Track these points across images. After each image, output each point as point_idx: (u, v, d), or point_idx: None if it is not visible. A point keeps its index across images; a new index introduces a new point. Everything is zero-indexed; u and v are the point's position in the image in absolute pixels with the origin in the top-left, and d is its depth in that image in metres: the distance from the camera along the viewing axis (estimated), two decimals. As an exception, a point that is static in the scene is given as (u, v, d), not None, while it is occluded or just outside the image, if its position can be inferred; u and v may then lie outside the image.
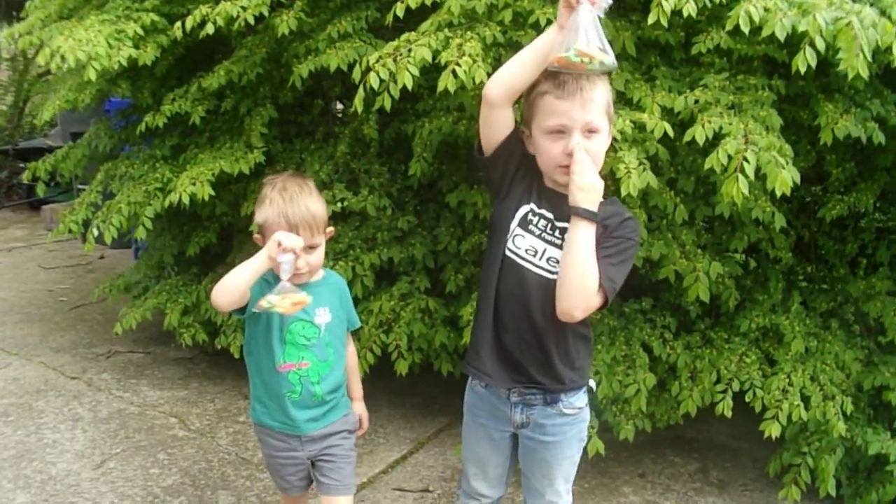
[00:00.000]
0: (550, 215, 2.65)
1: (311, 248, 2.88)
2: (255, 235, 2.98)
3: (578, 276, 2.52)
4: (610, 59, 2.45)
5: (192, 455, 4.76)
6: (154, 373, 6.06)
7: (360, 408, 3.34)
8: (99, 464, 4.62)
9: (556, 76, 2.55)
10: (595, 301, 2.57)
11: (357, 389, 3.35)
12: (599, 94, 2.57)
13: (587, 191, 2.49)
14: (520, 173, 2.71)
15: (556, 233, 2.64)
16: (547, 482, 2.93)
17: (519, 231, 2.66)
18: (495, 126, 2.67)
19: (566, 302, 2.55)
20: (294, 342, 2.95)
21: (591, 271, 2.52)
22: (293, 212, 2.83)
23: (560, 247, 2.62)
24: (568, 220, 2.58)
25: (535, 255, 2.64)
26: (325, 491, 3.16)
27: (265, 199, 2.89)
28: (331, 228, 3.01)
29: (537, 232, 2.65)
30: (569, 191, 2.52)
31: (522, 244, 2.65)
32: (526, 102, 2.69)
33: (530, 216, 2.66)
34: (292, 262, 2.72)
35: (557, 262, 2.61)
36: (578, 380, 2.82)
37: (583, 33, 2.38)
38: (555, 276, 2.61)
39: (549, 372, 2.75)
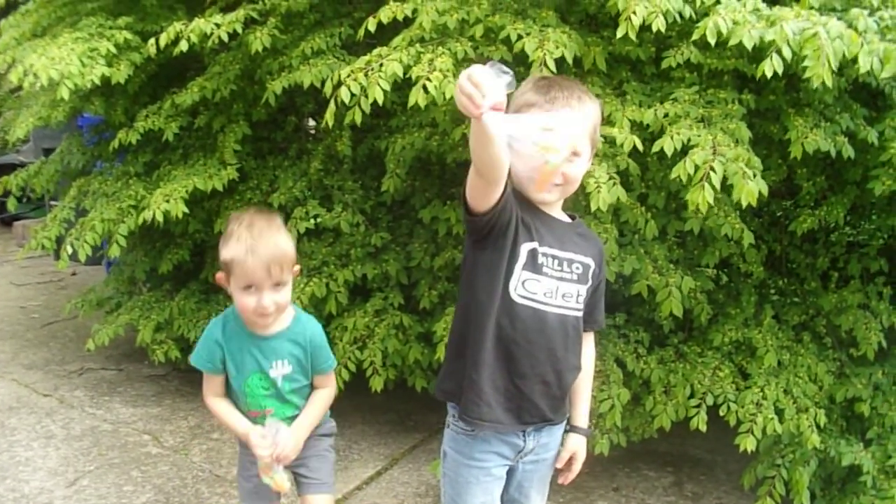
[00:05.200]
0: (556, 251, 2.58)
1: (277, 285, 2.79)
2: (219, 275, 2.89)
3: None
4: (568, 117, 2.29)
5: (166, 472, 4.73)
6: (127, 390, 6.01)
7: (286, 440, 2.91)
8: (72, 481, 4.58)
9: (546, 89, 2.50)
10: None
11: (300, 421, 3.03)
12: (587, 117, 2.53)
13: None
14: (512, 215, 2.47)
15: (565, 266, 2.59)
16: (541, 497, 2.94)
17: (529, 275, 2.53)
18: (488, 193, 2.35)
19: None
20: (254, 393, 2.92)
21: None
22: (262, 248, 2.73)
23: (570, 280, 2.60)
24: (570, 250, 2.61)
25: (552, 297, 2.57)
26: (303, 491, 3.17)
27: (231, 236, 2.78)
28: (297, 267, 2.92)
29: (550, 273, 2.56)
30: None
31: (538, 288, 2.55)
32: (510, 110, 2.52)
33: (540, 258, 2.54)
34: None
35: (571, 296, 2.61)
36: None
37: (535, 130, 2.05)
38: (570, 312, 2.62)
39: (560, 408, 2.76)
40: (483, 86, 1.97)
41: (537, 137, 2.05)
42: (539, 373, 2.60)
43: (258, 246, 2.73)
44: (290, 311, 3.00)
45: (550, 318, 2.58)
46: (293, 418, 2.99)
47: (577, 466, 2.89)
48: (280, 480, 2.86)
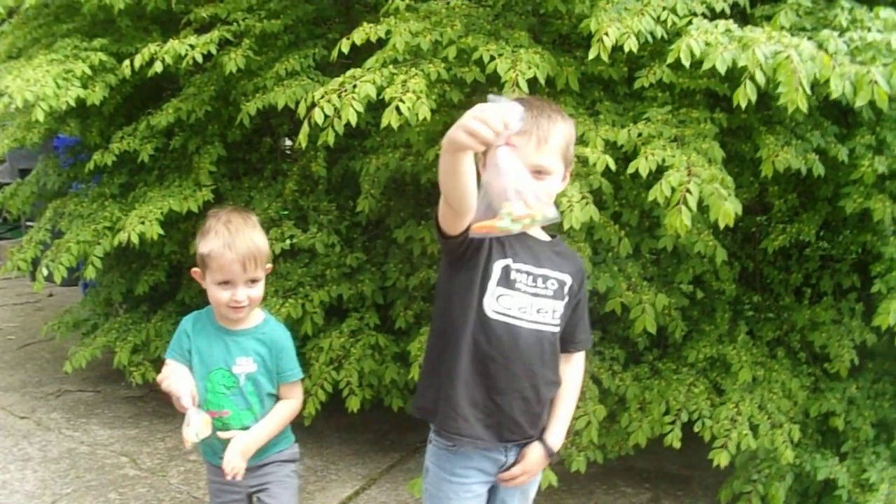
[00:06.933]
0: (530, 267, 2.60)
1: (252, 281, 2.87)
2: (194, 270, 2.98)
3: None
4: (553, 209, 2.23)
5: (144, 494, 4.72)
6: (104, 411, 6.00)
7: (231, 453, 2.90)
8: (49, 504, 4.58)
9: None
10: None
11: (257, 427, 2.99)
12: (556, 136, 2.51)
13: None
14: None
15: (540, 282, 2.61)
16: None
17: (503, 291, 2.56)
18: (458, 221, 2.43)
19: None
20: (215, 391, 2.93)
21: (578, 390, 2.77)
22: (239, 243, 2.82)
23: (545, 296, 2.62)
24: (545, 266, 2.63)
25: (526, 312, 2.59)
26: None
27: (210, 231, 2.88)
28: (269, 265, 3.00)
29: (524, 288, 2.58)
30: None
31: (512, 303, 2.57)
32: None
33: (513, 274, 2.57)
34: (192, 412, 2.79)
35: (546, 311, 2.62)
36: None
37: (512, 188, 2.14)
38: (546, 327, 2.63)
39: (539, 424, 2.75)
40: (506, 121, 2.01)
41: (512, 195, 2.11)
42: (517, 388, 2.61)
43: (235, 241, 2.83)
44: (260, 313, 3.06)
45: (525, 334, 2.59)
46: (251, 425, 2.97)
47: (523, 479, 2.77)
48: (186, 432, 2.78)
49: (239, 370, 2.94)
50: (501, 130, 2.01)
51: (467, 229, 2.39)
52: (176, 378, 2.82)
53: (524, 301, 2.58)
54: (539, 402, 2.69)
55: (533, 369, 2.63)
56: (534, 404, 2.67)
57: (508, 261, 2.56)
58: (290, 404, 3.06)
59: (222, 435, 2.93)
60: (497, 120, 2.00)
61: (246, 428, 2.96)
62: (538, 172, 2.48)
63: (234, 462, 2.85)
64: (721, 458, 3.92)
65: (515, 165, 2.14)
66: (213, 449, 3.01)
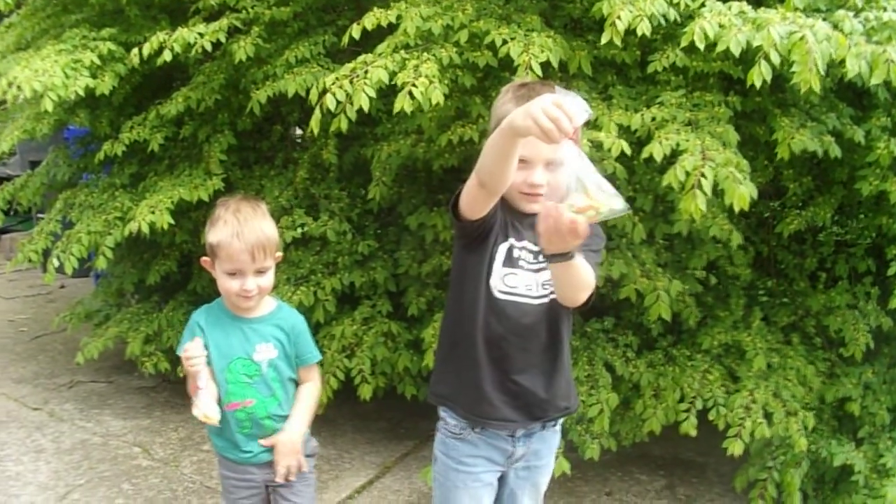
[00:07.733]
0: (532, 246, 2.58)
1: (261, 270, 2.85)
2: (204, 259, 2.96)
3: (583, 287, 2.48)
4: (620, 201, 2.13)
5: (157, 485, 4.71)
6: (117, 402, 5.99)
7: (282, 457, 2.98)
8: (63, 495, 4.56)
9: (525, 99, 2.31)
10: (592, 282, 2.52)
11: (294, 421, 3.02)
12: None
13: (562, 246, 2.25)
14: (497, 218, 2.54)
15: (541, 257, 2.55)
16: None
17: (508, 270, 2.57)
18: (487, 203, 2.43)
19: (575, 295, 2.50)
20: (236, 381, 2.91)
21: (588, 275, 2.46)
22: (247, 233, 2.79)
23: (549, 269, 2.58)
24: None
25: (532, 289, 2.59)
26: None
27: (218, 220, 2.85)
28: (279, 253, 2.97)
29: (527, 266, 2.58)
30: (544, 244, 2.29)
31: (518, 282, 2.58)
32: (492, 122, 2.59)
33: (515, 252, 2.58)
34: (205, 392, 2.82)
35: (551, 284, 2.58)
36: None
37: (574, 181, 2.10)
38: (552, 297, 2.59)
39: (570, 394, 2.77)
40: (573, 114, 1.97)
41: (574, 188, 2.10)
42: (536, 364, 2.63)
43: (244, 231, 2.80)
44: (272, 300, 3.05)
45: (533, 310, 2.60)
46: (275, 416, 2.97)
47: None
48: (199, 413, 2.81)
49: (260, 357, 2.93)
50: (570, 131, 1.99)
51: (488, 212, 2.41)
52: (203, 359, 2.83)
53: (529, 279, 2.59)
54: (561, 374, 2.70)
55: (545, 345, 2.64)
56: (556, 376, 2.68)
57: (511, 240, 2.57)
58: (312, 387, 3.08)
59: (263, 443, 2.96)
60: (566, 121, 1.97)
61: (271, 416, 2.96)
62: (549, 164, 2.47)
63: (287, 464, 2.95)
64: (735, 448, 3.89)
65: (577, 158, 2.12)
66: (233, 444, 2.99)
